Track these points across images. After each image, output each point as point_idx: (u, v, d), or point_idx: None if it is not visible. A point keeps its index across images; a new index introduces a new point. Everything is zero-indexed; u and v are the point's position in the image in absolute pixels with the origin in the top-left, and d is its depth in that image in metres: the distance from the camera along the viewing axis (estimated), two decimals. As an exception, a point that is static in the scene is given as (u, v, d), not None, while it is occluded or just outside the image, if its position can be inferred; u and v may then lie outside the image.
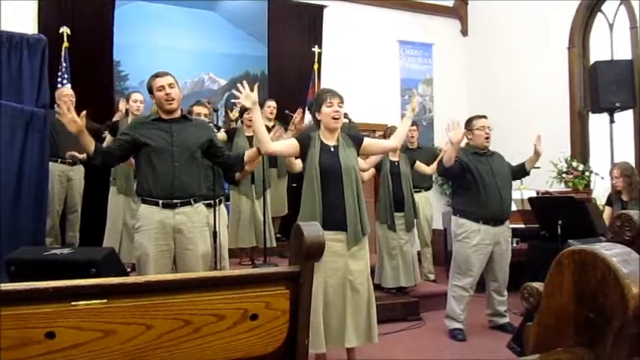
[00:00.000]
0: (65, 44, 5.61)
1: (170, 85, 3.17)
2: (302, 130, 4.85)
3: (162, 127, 3.18)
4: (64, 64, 5.57)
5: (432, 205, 6.01)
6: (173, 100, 3.17)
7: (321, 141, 3.23)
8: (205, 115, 4.26)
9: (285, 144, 3.33)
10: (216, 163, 3.45)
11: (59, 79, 5.49)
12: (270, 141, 3.20)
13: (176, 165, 3.13)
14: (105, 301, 1.02)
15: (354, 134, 3.42)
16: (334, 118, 3.20)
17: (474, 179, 4.13)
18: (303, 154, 3.23)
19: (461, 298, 4.20)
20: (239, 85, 3.20)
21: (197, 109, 4.29)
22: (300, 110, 5.02)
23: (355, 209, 3.14)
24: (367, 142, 3.39)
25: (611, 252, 0.82)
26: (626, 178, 4.69)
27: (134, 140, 3.15)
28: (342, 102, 3.24)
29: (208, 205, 3.58)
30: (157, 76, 3.21)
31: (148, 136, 3.14)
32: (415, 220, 5.21)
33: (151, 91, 3.22)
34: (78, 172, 5.26)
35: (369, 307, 3.20)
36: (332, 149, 3.21)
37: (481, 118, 4.27)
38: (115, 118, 5.18)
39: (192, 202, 3.20)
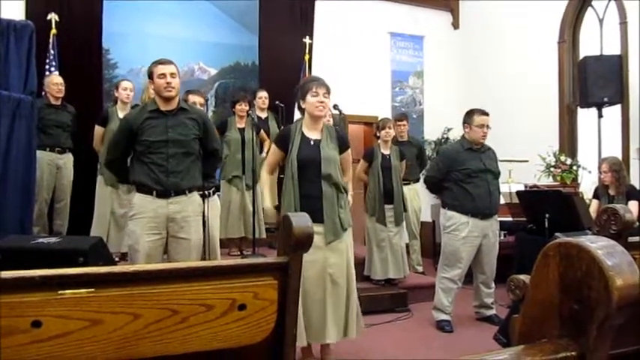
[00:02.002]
0: (53, 31, 5.54)
1: (172, 75, 3.16)
2: None
3: (158, 122, 3.17)
4: (52, 52, 5.50)
5: (420, 197, 6.03)
6: (173, 88, 3.16)
7: (303, 133, 3.16)
8: (200, 105, 4.24)
9: (271, 158, 3.29)
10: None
11: (47, 67, 5.43)
12: (262, 174, 3.34)
13: (171, 160, 3.14)
14: (92, 290, 1.01)
15: (343, 136, 3.32)
16: (318, 108, 3.12)
17: (462, 175, 4.14)
18: (287, 150, 3.18)
19: (449, 290, 4.23)
20: None
21: (193, 97, 4.25)
22: None
23: (333, 202, 3.09)
24: (345, 155, 3.26)
25: (596, 244, 0.82)
26: (615, 173, 4.73)
27: (133, 138, 3.16)
28: (328, 93, 3.14)
29: (202, 196, 3.60)
30: (159, 63, 3.19)
31: (144, 131, 3.14)
32: (404, 213, 5.24)
33: (151, 76, 3.19)
34: (67, 161, 5.22)
35: (348, 301, 3.12)
36: (312, 142, 3.14)
37: (482, 115, 4.20)
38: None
39: (187, 191, 3.22)
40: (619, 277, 0.78)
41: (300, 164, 3.09)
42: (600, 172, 4.89)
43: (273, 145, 3.26)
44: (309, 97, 3.12)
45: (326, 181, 3.09)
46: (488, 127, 4.18)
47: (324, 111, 3.16)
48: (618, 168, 4.76)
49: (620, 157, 5.45)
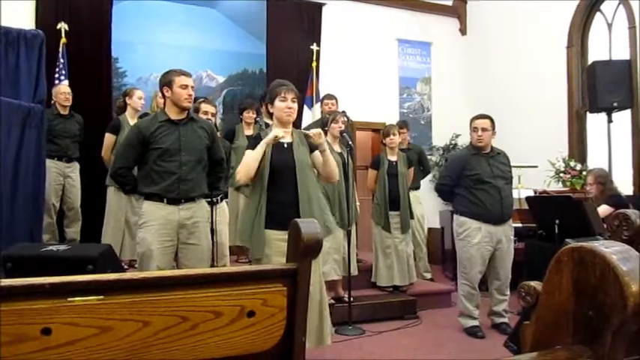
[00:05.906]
0: (63, 40, 5.58)
1: (192, 87, 3.27)
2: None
3: (171, 130, 3.21)
4: (62, 61, 5.54)
5: (422, 204, 6.00)
6: (191, 100, 3.28)
7: None
8: (212, 114, 4.26)
9: (248, 161, 3.03)
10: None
11: (57, 76, 5.47)
12: (240, 173, 3.01)
13: (183, 169, 3.18)
14: (101, 297, 1.01)
15: (312, 143, 3.16)
16: (286, 113, 3.05)
17: (472, 181, 4.13)
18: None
19: (471, 296, 4.23)
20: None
21: (205, 107, 4.27)
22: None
23: (310, 208, 2.96)
24: (315, 154, 3.12)
25: (611, 249, 0.81)
26: (600, 185, 4.69)
27: (144, 145, 3.18)
28: (296, 98, 3.08)
29: (210, 203, 3.60)
30: (182, 73, 3.26)
31: (158, 139, 3.17)
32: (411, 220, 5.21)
33: (169, 84, 3.22)
34: (74, 169, 5.26)
35: (321, 307, 3.01)
36: (285, 145, 3.06)
37: (476, 119, 4.23)
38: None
39: (196, 198, 3.25)
40: (634, 282, 0.77)
41: (274, 169, 2.97)
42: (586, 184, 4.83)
43: (248, 151, 3.07)
44: (277, 102, 3.06)
45: (302, 186, 2.97)
46: (483, 129, 4.17)
47: (292, 116, 3.09)
48: (604, 180, 4.72)
49: (630, 161, 5.40)
